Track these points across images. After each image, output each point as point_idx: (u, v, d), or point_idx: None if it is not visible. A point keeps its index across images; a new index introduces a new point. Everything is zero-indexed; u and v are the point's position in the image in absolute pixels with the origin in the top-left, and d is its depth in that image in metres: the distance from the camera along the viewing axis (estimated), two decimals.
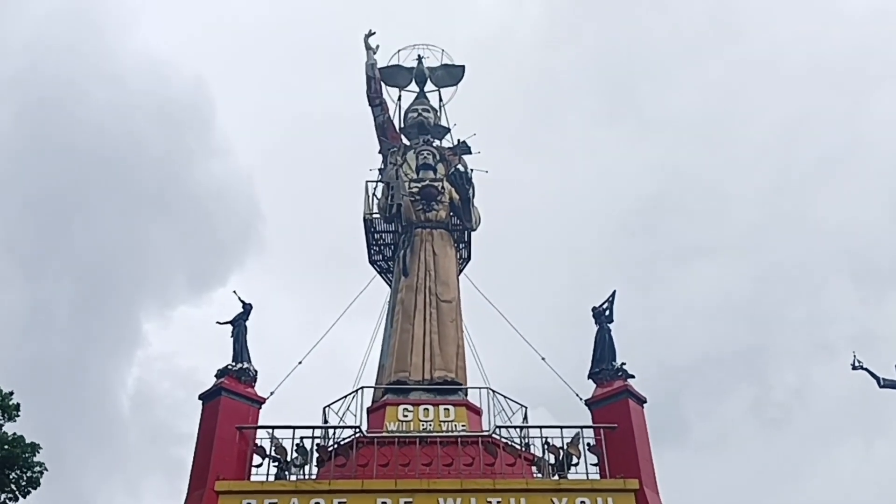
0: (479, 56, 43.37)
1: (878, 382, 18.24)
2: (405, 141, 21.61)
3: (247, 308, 16.40)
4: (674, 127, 48.78)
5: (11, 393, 15.44)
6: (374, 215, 19.91)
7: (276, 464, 14.30)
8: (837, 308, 42.91)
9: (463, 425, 15.57)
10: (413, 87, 23.00)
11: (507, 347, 19.59)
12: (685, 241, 45.67)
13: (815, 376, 40.34)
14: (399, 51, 23.10)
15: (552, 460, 14.57)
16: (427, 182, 19.69)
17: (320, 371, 18.84)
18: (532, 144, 47.83)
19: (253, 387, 15.44)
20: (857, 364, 17.74)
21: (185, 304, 49.53)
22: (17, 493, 15.36)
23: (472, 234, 20.19)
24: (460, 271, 19.76)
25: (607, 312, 16.47)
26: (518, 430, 15.24)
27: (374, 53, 22.10)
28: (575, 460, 14.50)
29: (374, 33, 22.33)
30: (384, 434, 15.00)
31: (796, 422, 40.76)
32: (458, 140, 20.73)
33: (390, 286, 19.93)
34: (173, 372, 42.02)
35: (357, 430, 14.99)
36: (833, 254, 44.40)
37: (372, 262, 20.62)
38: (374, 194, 20.27)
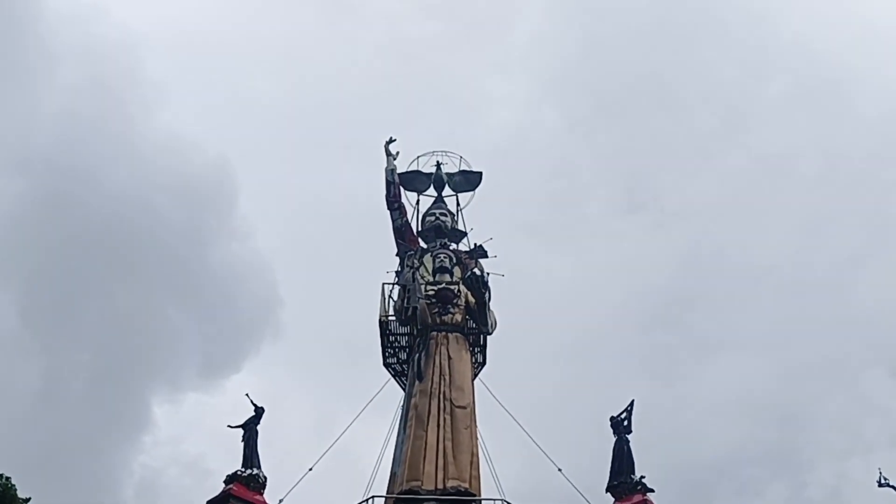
0: (496, 155, 44.34)
1: None
2: (422, 244, 21.85)
3: (258, 411, 16.33)
4: (694, 218, 48.48)
5: (28, 500, 15.22)
6: (391, 317, 19.96)
7: None
8: (873, 401, 41.23)
9: None
10: (431, 191, 23.44)
11: (522, 455, 19.20)
12: (709, 335, 44.54)
13: (852, 473, 38.14)
14: (418, 157, 23.69)
15: None
16: (443, 285, 19.83)
17: (331, 473, 18.49)
18: (551, 237, 47.83)
19: (262, 494, 15.20)
20: (883, 481, 17.13)
21: (197, 390, 48.39)
22: None
23: (488, 337, 20.13)
24: (475, 376, 19.58)
25: (626, 423, 16.29)
26: None
27: (395, 159, 22.71)
28: None
29: (394, 140, 23.05)
30: None
31: None
32: (475, 244, 20.96)
33: (404, 389, 19.75)
34: (180, 458, 40.97)
35: None
36: (866, 347, 42.83)
37: (386, 365, 20.51)
38: (390, 296, 20.39)
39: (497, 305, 20.06)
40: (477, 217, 23.24)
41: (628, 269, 46.48)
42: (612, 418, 16.50)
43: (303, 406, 41.41)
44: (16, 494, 15.20)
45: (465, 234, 22.30)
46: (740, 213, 48.43)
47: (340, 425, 18.80)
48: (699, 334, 44.84)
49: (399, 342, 20.32)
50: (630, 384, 40.24)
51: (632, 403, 16.39)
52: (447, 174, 23.38)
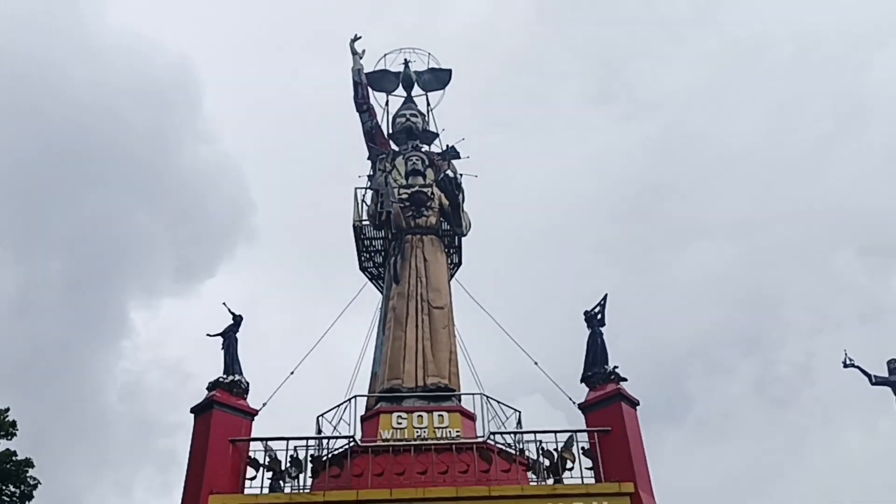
0: (466, 47, 43.38)
1: (870, 380, 18.39)
2: (394, 147, 21.63)
3: (237, 319, 16.31)
4: (666, 106, 48.63)
5: (7, 409, 15.41)
6: (364, 222, 19.92)
7: (271, 476, 14.32)
8: (842, 280, 42.37)
9: (457, 431, 15.60)
10: (400, 91, 23.09)
11: (500, 351, 19.72)
12: (680, 223, 45.44)
13: (821, 350, 39.41)
14: (385, 55, 23.27)
15: (547, 464, 14.64)
16: (416, 188, 19.74)
17: (313, 376, 18.86)
18: (523, 129, 47.70)
19: (245, 399, 15.39)
20: (848, 362, 17.88)
21: (173, 295, 48.72)
22: None
23: (463, 239, 20.23)
24: (451, 276, 19.78)
25: (599, 316, 16.50)
26: (512, 435, 15.27)
27: (361, 58, 22.16)
28: (570, 464, 14.59)
29: (359, 38, 22.38)
30: (378, 443, 15.02)
31: (802, 399, 40.44)
32: (447, 145, 20.69)
33: (382, 292, 19.96)
34: (161, 362, 41.49)
35: (351, 439, 14.96)
36: (835, 228, 43.60)
37: (363, 269, 20.62)
38: (363, 201, 20.29)
39: (470, 206, 20.14)
40: (448, 116, 23.10)
41: (600, 160, 46.50)
42: (585, 312, 16.69)
43: (281, 309, 41.88)
44: (6, 419, 15.38)
45: (436, 134, 22.09)
46: (711, 100, 48.21)
47: (320, 328, 19.11)
48: (670, 222, 45.44)
49: (374, 246, 20.37)
50: (603, 274, 41.13)
51: (605, 297, 16.58)
52: (416, 73, 22.99)
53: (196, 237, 41.12)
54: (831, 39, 46.85)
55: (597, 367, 15.85)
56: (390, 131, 22.17)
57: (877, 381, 18.34)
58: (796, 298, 43.29)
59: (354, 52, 22.03)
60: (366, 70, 22.18)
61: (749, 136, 46.55)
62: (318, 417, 15.86)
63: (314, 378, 19.12)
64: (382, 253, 20.22)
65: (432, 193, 19.66)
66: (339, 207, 21.78)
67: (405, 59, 22.91)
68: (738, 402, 41.07)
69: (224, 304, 16.56)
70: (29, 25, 38.70)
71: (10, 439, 15.62)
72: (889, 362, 18.22)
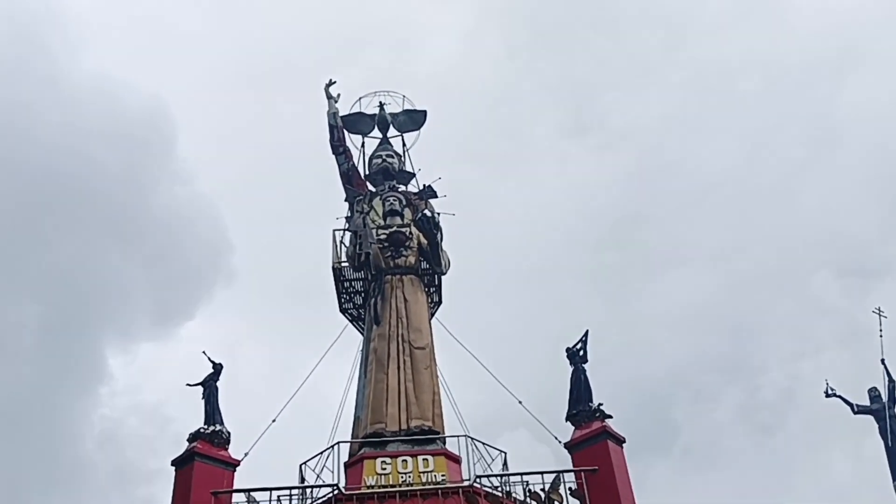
0: (440, 86, 43.73)
1: (852, 409, 18.54)
2: (371, 188, 21.68)
3: (217, 368, 16.26)
4: (640, 136, 48.89)
5: None
6: (343, 264, 19.84)
7: None
8: (822, 303, 42.28)
9: (443, 475, 15.36)
10: (376, 133, 23.16)
11: (483, 388, 19.58)
12: (657, 252, 45.38)
13: (804, 374, 39.14)
14: (360, 98, 23.38)
15: None
16: (395, 228, 19.72)
17: (294, 421, 18.60)
18: (499, 164, 47.82)
19: (226, 449, 15.22)
20: (829, 392, 17.99)
21: (151, 339, 47.71)
22: None
23: (443, 277, 20.19)
24: (432, 316, 19.68)
25: (581, 353, 16.56)
26: (499, 477, 15.10)
27: (336, 102, 22.27)
28: None
29: (334, 82, 22.51)
30: (363, 490, 14.78)
31: (788, 424, 40.20)
32: (424, 185, 20.79)
33: (362, 334, 19.78)
34: (139, 408, 40.49)
35: (335, 487, 14.72)
36: (812, 251, 43.70)
37: (343, 311, 20.50)
38: (342, 242, 20.23)
39: (449, 244, 20.14)
40: (424, 156, 23.19)
41: (577, 192, 46.79)
42: (567, 349, 16.75)
43: (260, 353, 41.23)
44: None
45: (413, 174, 22.15)
46: (685, 129, 48.90)
47: (299, 371, 18.88)
48: (649, 251, 45.65)
49: (354, 287, 20.26)
50: (584, 305, 41.22)
51: (586, 334, 16.64)
52: (391, 114, 23.11)
53: (173, 279, 40.55)
54: (799, 68, 47.96)
55: (581, 404, 15.83)
56: (367, 172, 22.21)
57: (859, 410, 18.47)
58: (777, 323, 43.45)
59: (329, 96, 22.16)
60: (341, 113, 22.27)
61: (723, 164, 47.27)
62: (300, 465, 15.64)
63: (296, 423, 18.84)
64: (362, 294, 20.09)
65: (410, 233, 19.66)
66: (317, 248, 21.72)
67: (380, 102, 23.08)
68: (723, 430, 41.00)
69: (204, 352, 16.55)
70: (2, 69, 38.55)
71: None
72: (870, 390, 18.38)
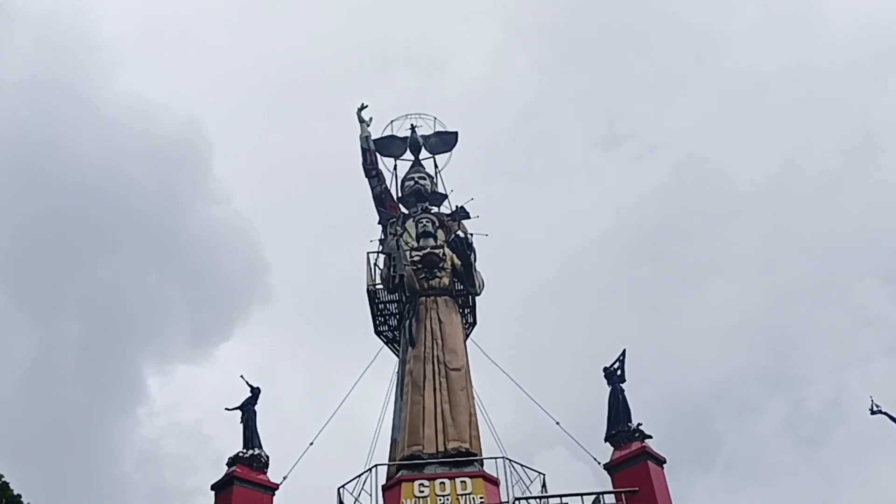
0: (470, 104, 43.81)
1: None
2: (404, 210, 21.76)
3: (255, 392, 16.33)
4: (673, 147, 48.11)
5: (19, 496, 15.13)
6: (378, 286, 19.90)
7: None
8: (867, 311, 40.86)
9: (481, 498, 15.22)
10: (408, 155, 23.28)
11: (519, 407, 19.43)
12: (695, 263, 44.23)
13: (851, 386, 37.96)
14: (392, 121, 23.54)
15: None
16: (428, 250, 19.74)
17: (332, 444, 18.62)
18: (531, 179, 47.44)
19: (265, 473, 15.25)
20: (875, 409, 17.42)
21: (188, 361, 47.66)
22: None
23: (477, 298, 20.14)
24: (467, 337, 19.62)
25: (619, 372, 16.40)
26: (538, 500, 14.91)
27: (368, 125, 22.41)
28: None
29: (366, 106, 22.69)
30: None
31: (834, 437, 38.83)
32: (457, 206, 20.73)
33: (398, 356, 19.78)
34: (177, 428, 40.65)
35: None
36: (856, 259, 42.35)
37: (378, 333, 20.53)
38: (375, 265, 20.29)
39: (483, 264, 20.05)
40: (456, 176, 23.23)
41: (610, 204, 46.12)
42: (605, 369, 16.60)
43: (297, 374, 41.44)
44: (11, 493, 15.13)
45: (445, 196, 22.17)
46: (719, 139, 48.04)
47: (336, 393, 18.91)
48: (685, 263, 44.78)
49: (389, 309, 20.28)
50: (620, 319, 40.55)
51: (623, 353, 16.48)
52: (422, 136, 23.21)
53: (210, 299, 40.63)
54: (834, 74, 46.96)
55: (620, 424, 15.68)
56: (400, 195, 22.31)
57: None
58: (820, 334, 42.00)
59: (362, 120, 22.34)
60: (373, 136, 22.41)
61: (759, 174, 46.22)
62: (339, 489, 15.61)
63: (333, 446, 18.85)
64: (397, 316, 20.10)
65: (444, 254, 19.66)
66: (351, 269, 21.76)
67: (412, 125, 23.22)
68: (768, 443, 39.76)
69: (242, 376, 16.65)
70: (37, 90, 39.11)
71: None
72: None
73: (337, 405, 18.23)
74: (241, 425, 15.99)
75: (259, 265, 40.90)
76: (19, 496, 15.83)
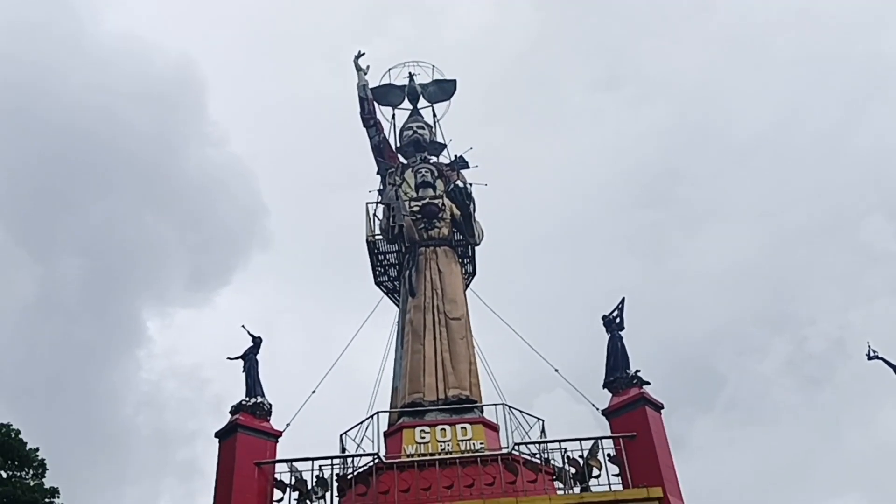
0: (470, 52, 43.08)
1: (895, 371, 18.01)
2: (402, 160, 21.61)
3: (256, 341, 16.31)
4: (677, 89, 47.29)
5: (37, 449, 15.34)
6: (377, 237, 19.84)
7: (297, 496, 14.20)
8: (874, 249, 40.63)
9: (481, 443, 15.43)
10: (406, 104, 23.08)
11: (519, 356, 19.59)
12: (698, 208, 44.20)
13: (855, 324, 38.01)
14: (390, 69, 23.23)
15: (573, 473, 14.45)
16: (427, 200, 19.65)
17: (333, 393, 18.78)
18: (532, 125, 47.12)
19: (268, 420, 15.33)
20: (871, 354, 17.50)
21: (189, 305, 47.90)
22: None
23: (476, 248, 20.11)
24: (467, 287, 19.67)
25: (618, 320, 16.40)
26: (537, 445, 15.08)
27: (365, 74, 22.15)
28: (596, 472, 14.40)
29: (363, 54, 22.41)
30: (403, 459, 14.89)
31: (837, 377, 38.76)
32: (456, 156, 20.64)
33: (398, 306, 19.88)
34: (177, 371, 40.91)
35: (375, 456, 14.83)
36: (861, 195, 41.91)
37: (378, 284, 20.56)
38: (374, 215, 20.21)
39: (482, 214, 19.99)
40: (455, 124, 23.01)
41: (612, 148, 45.65)
42: (603, 317, 16.60)
43: (297, 323, 41.66)
44: (23, 444, 15.31)
45: (444, 145, 22.00)
46: (722, 82, 47.26)
47: (337, 342, 19.11)
48: (687, 208, 44.56)
49: (388, 260, 20.28)
50: (622, 265, 40.61)
51: (622, 301, 16.45)
52: (421, 85, 22.96)
53: (208, 243, 40.41)
54: (839, 19, 45.98)
55: (618, 371, 15.71)
56: (398, 144, 22.15)
57: None
58: (825, 274, 41.67)
59: (359, 69, 22.03)
60: (371, 85, 22.18)
61: (763, 118, 45.60)
62: (341, 436, 15.76)
63: (334, 395, 19.03)
64: (397, 266, 20.13)
65: (443, 205, 19.57)
66: (350, 218, 21.71)
67: (409, 73, 22.89)
68: (770, 383, 39.97)
69: (243, 326, 16.60)
70: (26, 31, 38.20)
71: (42, 480, 15.53)
72: None
73: (338, 355, 18.40)
74: (244, 374, 16.02)
75: (258, 210, 40.66)
76: (43, 461, 16.05)
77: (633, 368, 15.76)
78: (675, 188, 44.75)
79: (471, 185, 19.79)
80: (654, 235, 43.35)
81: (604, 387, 15.74)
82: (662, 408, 15.17)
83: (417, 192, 20.17)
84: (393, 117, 22.91)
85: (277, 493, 14.21)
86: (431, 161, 21.33)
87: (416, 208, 19.44)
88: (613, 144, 45.41)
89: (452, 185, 19.52)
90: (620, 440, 14.44)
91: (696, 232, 44.63)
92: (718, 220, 44.33)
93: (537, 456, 14.89)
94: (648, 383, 15.40)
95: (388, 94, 22.86)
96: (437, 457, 14.70)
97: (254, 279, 43.33)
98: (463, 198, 19.12)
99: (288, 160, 45.03)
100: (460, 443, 15.38)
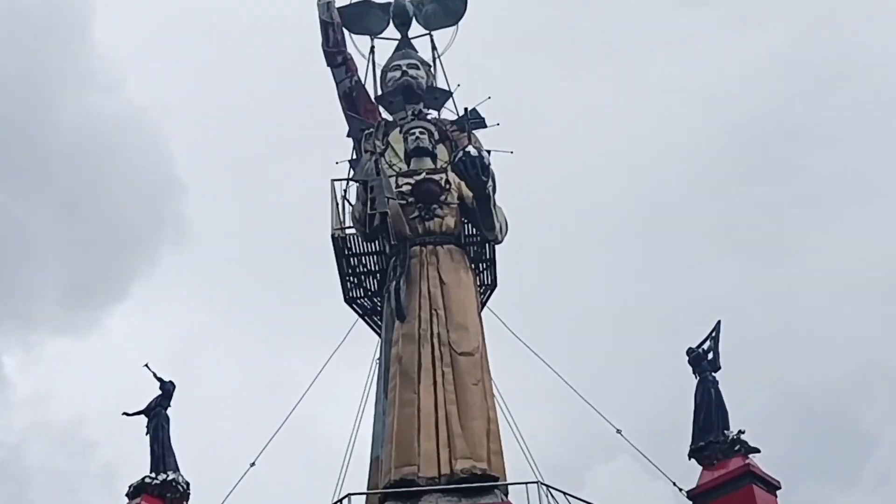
0: None
1: None
2: (386, 115, 21.70)
3: (166, 388, 16.49)
4: (801, 7, 46.82)
5: None
6: (348, 231, 19.91)
7: None
8: None
9: None
10: (392, 32, 23.27)
11: (562, 413, 19.62)
12: (827, 184, 43.59)
13: None
14: None
15: None
16: (423, 175, 19.61)
17: (284, 460, 18.87)
18: (580, 61, 46.39)
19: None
20: None
21: (63, 329, 46.76)
22: None
23: (497, 247, 20.20)
24: (483, 305, 19.76)
25: (710, 354, 16.59)
26: None
27: None
28: None
29: None
30: None
31: None
32: (466, 108, 20.43)
33: (379, 334, 19.93)
34: (47, 429, 40.49)
35: None
36: None
37: (350, 301, 20.67)
38: (345, 198, 20.28)
39: (505, 196, 19.90)
40: (465, 64, 23.14)
41: (703, 93, 45.05)
42: (689, 350, 16.73)
43: (229, 355, 41.25)
44: None
45: (449, 93, 22.08)
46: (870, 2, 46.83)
47: (289, 384, 19.10)
48: (816, 183, 43.96)
49: (365, 265, 20.36)
50: (712, 272, 40.35)
51: (717, 327, 16.55)
52: (413, 3, 23.09)
53: (95, 237, 39.95)
54: None
55: (712, 432, 15.85)
56: (379, 93, 22.26)
57: None
58: None
59: None
60: (339, 2, 22.34)
61: None
62: None
63: (286, 466, 19.11)
64: (377, 275, 20.20)
65: (447, 182, 19.55)
66: (308, 202, 21.70)
67: None
68: None
69: (147, 365, 16.69)
70: None
71: None
72: None
73: (291, 407, 18.57)
74: (148, 437, 16.14)
75: (169, 187, 40.17)
76: None
77: (734, 428, 15.85)
78: (795, 154, 44.40)
79: (489, 152, 19.72)
80: (763, 224, 42.90)
81: (690, 456, 15.89)
82: (779, 488, 15.35)
83: (409, 163, 20.21)
84: (372, 51, 23.12)
85: None
86: (430, 117, 21.34)
87: (406, 188, 19.42)
88: (704, 88, 44.98)
89: (461, 153, 19.40)
90: None
91: (828, 218, 44.39)
92: (861, 200, 44.09)
93: None
94: (758, 450, 15.52)
95: (364, 17, 23.06)
96: None
97: (164, 292, 43.00)
98: (477, 171, 19.01)
99: (214, 114, 44.86)
100: None
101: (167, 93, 45.11)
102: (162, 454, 15.84)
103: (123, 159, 39.89)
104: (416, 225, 19.11)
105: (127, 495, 15.47)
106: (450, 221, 19.36)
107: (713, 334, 16.53)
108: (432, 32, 23.25)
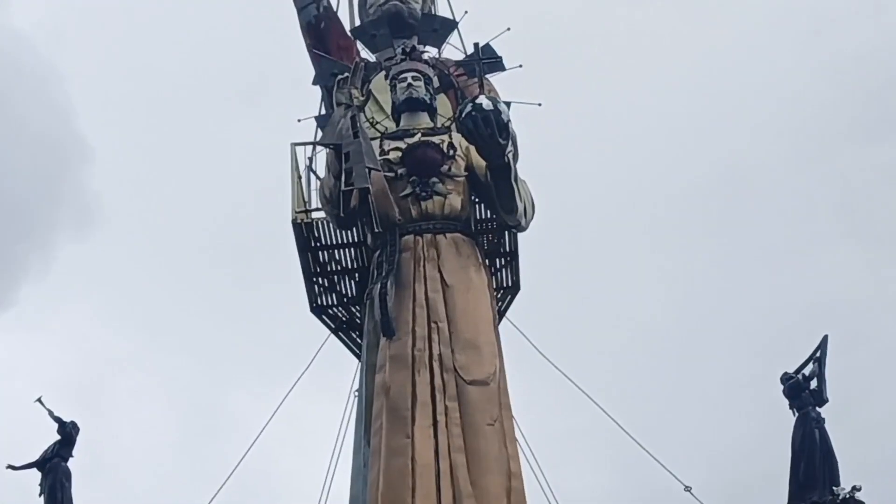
0: None
1: None
2: (366, 54, 21.95)
3: (67, 431, 16.60)
4: None
5: None
6: (315, 215, 20.07)
7: None
8: None
9: None
10: None
11: (612, 463, 19.62)
12: None
13: None
14: None
15: None
16: (419, 138, 19.65)
17: None
18: None
19: None
20: None
21: None
22: None
23: (520, 235, 20.43)
24: (501, 316, 19.89)
25: (813, 383, 16.70)
26: None
27: None
28: None
29: None
30: None
31: None
32: (476, 45, 20.45)
33: (357, 355, 20.14)
34: None
35: None
36: None
37: (318, 310, 20.93)
38: (310, 169, 20.64)
39: (528, 166, 19.96)
40: None
41: (804, 16, 45.56)
42: (785, 377, 16.99)
43: (155, 383, 41.70)
44: None
45: (453, 23, 22.35)
46: None
47: (237, 424, 19.23)
48: None
49: (339, 261, 20.60)
50: (815, 269, 40.63)
51: (824, 344, 16.65)
52: None
53: None
54: None
55: (817, 489, 16.02)
56: (357, 23, 22.60)
57: None
58: None
59: None
60: None
61: None
62: None
63: None
64: (355, 274, 20.43)
65: (451, 147, 19.56)
66: (260, 174, 21.76)
67: None
68: None
69: (39, 400, 16.96)
70: None
71: None
72: None
73: (239, 454, 19.05)
74: (42, 496, 16.40)
75: (69, 152, 40.46)
76: None
77: (845, 483, 16.03)
78: None
79: (508, 104, 19.71)
80: (889, 198, 43.23)
81: None
82: None
83: (398, 120, 20.33)
84: None
85: None
86: (425, 57, 21.34)
87: (395, 155, 19.44)
88: (805, 20, 45.44)
89: (470, 106, 19.38)
90: None
91: None
92: None
93: None
94: None
95: None
96: None
97: (61, 297, 43.63)
98: (492, 132, 18.96)
99: (131, 49, 45.27)
100: None
101: (62, 18, 45.44)
102: None
103: (8, 110, 40.31)
104: (409, 206, 19.12)
105: None
106: (455, 201, 19.36)
107: (818, 355, 16.70)
108: None
